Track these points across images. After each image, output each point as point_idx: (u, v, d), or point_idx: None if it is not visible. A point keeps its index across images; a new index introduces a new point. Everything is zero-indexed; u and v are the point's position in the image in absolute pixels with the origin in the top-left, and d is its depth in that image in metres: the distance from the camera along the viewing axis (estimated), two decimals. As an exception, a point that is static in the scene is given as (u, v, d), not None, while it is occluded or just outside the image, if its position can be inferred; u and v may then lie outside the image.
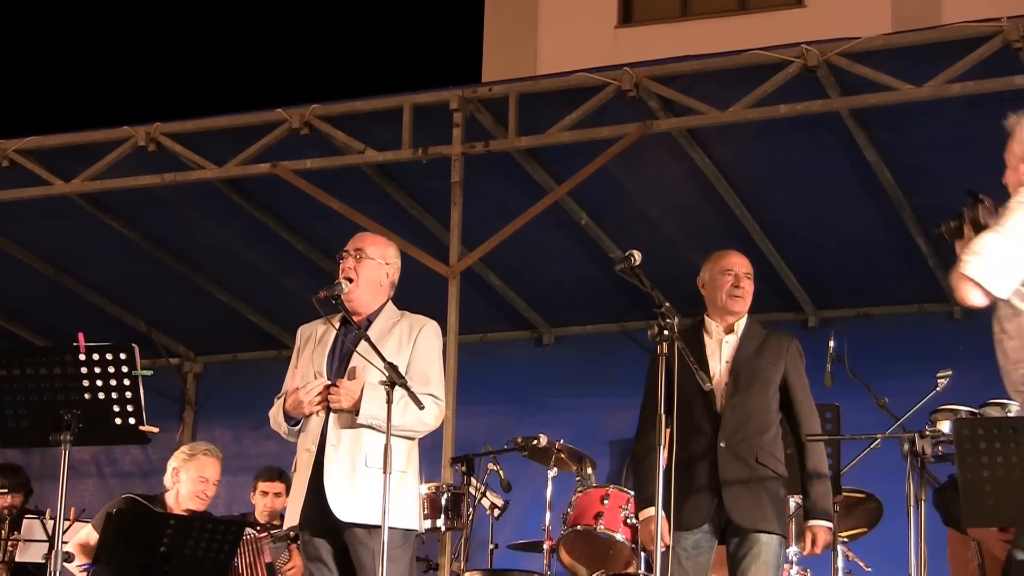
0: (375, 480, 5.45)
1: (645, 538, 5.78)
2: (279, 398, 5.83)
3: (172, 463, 7.58)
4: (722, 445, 5.62)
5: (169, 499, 7.51)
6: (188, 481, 7.52)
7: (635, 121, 8.12)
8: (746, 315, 5.96)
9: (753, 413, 5.72)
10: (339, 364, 5.74)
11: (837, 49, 7.66)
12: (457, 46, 18.42)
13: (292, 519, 5.70)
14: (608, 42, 16.04)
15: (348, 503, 5.54)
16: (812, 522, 5.80)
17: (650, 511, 5.52)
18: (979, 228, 4.63)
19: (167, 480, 7.59)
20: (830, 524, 5.83)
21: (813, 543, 5.78)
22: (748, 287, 5.93)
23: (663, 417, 5.30)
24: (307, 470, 5.64)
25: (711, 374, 5.69)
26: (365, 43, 21.65)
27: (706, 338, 5.87)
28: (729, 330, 5.89)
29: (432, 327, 5.86)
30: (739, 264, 5.97)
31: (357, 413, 5.58)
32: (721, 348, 5.84)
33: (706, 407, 5.68)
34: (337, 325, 5.80)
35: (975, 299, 4.39)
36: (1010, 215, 4.46)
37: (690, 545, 5.64)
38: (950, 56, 7.48)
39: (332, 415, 5.63)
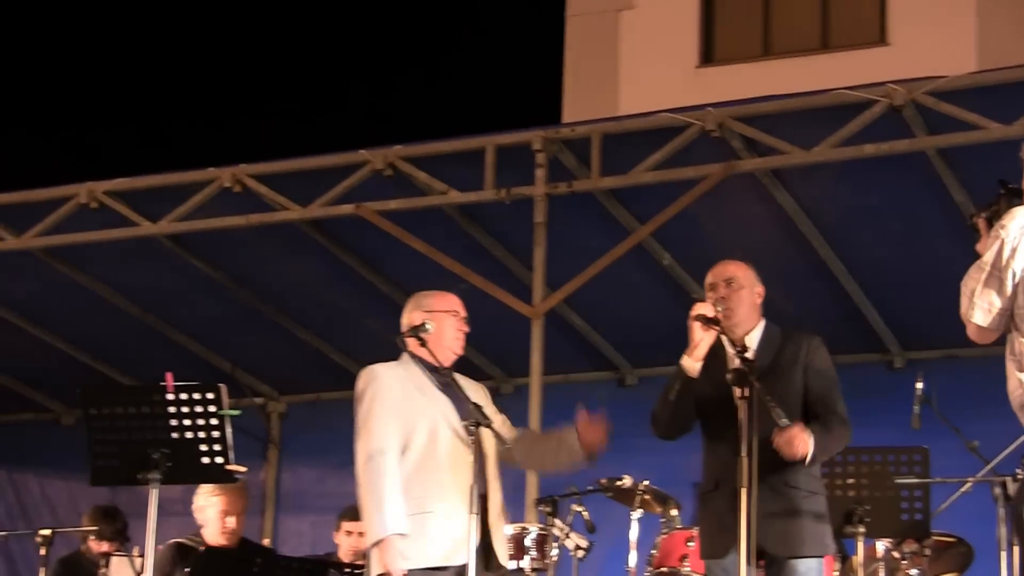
0: None
1: None
2: (382, 453, 5.51)
3: (196, 501, 7.41)
4: None
5: (206, 536, 7.37)
6: (213, 518, 7.33)
7: (718, 161, 8.10)
8: (761, 324, 5.66)
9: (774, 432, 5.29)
10: (460, 407, 5.67)
11: (924, 88, 7.61)
12: (537, 85, 18.47)
13: (460, 557, 5.51)
14: (689, 82, 16.02)
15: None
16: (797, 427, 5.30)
17: None
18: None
19: (197, 518, 7.43)
20: (811, 440, 5.30)
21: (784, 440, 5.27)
22: (731, 295, 5.58)
23: (744, 460, 5.16)
24: (467, 505, 5.44)
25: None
26: (442, 83, 21.78)
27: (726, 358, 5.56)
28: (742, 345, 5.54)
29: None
30: (717, 273, 5.69)
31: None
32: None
33: (729, 430, 5.26)
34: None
35: (988, 339, 4.50)
36: (990, 247, 4.46)
37: (720, 571, 5.44)
38: (1039, 93, 7.41)
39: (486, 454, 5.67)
